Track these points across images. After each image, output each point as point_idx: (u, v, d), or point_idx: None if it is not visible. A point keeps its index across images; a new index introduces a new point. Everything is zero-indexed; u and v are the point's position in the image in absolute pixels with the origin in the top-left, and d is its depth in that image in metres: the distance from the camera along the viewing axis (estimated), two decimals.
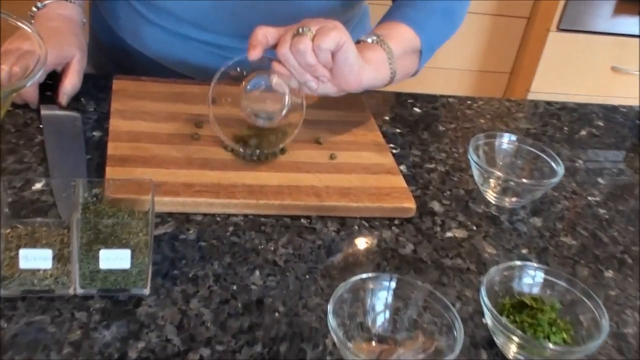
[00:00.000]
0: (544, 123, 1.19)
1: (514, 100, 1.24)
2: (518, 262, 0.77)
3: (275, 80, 0.91)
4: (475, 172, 0.95)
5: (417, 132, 1.09)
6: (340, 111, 1.06)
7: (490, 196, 0.95)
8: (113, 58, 1.18)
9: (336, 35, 0.86)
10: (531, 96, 2.53)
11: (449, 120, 1.14)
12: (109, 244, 0.69)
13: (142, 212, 0.75)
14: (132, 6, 1.11)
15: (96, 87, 1.05)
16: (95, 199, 0.75)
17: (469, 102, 1.21)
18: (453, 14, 1.07)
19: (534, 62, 2.50)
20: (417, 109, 1.16)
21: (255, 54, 0.87)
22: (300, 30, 0.86)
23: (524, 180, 0.93)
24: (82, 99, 1.01)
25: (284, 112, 0.92)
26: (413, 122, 1.12)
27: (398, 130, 1.08)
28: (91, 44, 1.24)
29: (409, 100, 1.18)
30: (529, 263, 0.77)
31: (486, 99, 1.22)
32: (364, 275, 0.70)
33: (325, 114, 1.05)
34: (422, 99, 1.19)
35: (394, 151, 1.02)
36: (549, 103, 1.26)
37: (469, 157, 0.94)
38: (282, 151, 0.94)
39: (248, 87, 0.91)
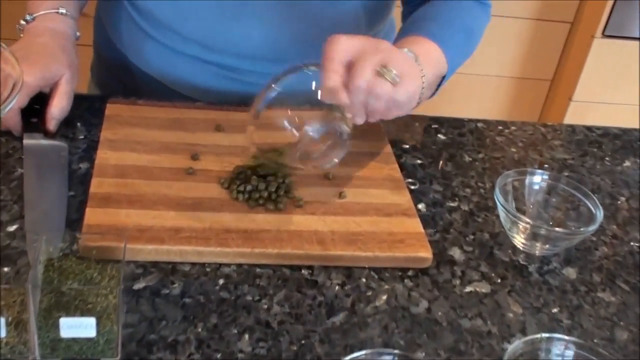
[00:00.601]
0: (583, 152, 1.07)
1: (550, 126, 1.13)
2: (545, 335, 0.66)
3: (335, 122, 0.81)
4: (502, 214, 0.84)
5: (440, 163, 0.99)
6: (354, 140, 0.96)
7: (519, 242, 0.84)
8: (116, 76, 1.10)
9: (414, 89, 0.80)
10: (573, 105, 2.40)
11: (476, 149, 1.03)
12: (71, 311, 0.61)
13: (117, 267, 0.67)
14: (135, 22, 1.02)
15: (90, 110, 0.97)
16: (61, 253, 0.67)
17: (499, 127, 1.10)
18: (473, 35, 0.97)
19: (577, 70, 2.36)
20: (441, 136, 1.05)
21: (332, 87, 0.77)
22: (383, 70, 0.77)
23: (557, 229, 0.82)
24: (74, 124, 0.93)
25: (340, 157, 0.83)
26: (436, 152, 1.01)
27: (419, 162, 0.98)
28: (95, 60, 1.17)
29: (433, 126, 1.07)
30: (557, 336, 0.67)
31: (519, 124, 1.11)
32: (360, 356, 0.60)
33: None
34: (448, 123, 1.08)
35: (412, 187, 0.92)
36: (589, 128, 1.14)
37: (496, 198, 0.83)
38: (288, 194, 0.84)
39: (310, 130, 0.82)
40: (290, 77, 0.82)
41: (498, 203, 0.82)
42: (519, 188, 0.88)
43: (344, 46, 0.78)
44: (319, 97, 0.79)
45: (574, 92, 2.39)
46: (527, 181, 0.88)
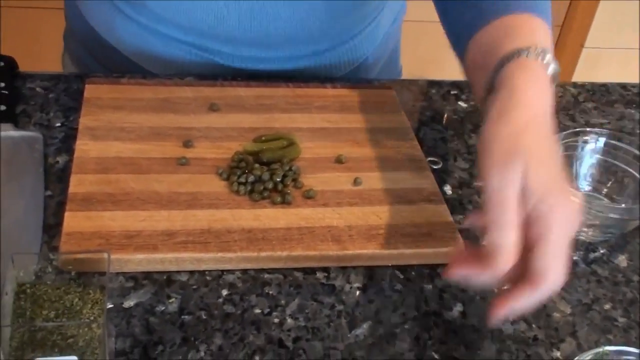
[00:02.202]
0: (620, 115, 0.96)
1: (580, 86, 1.02)
2: (610, 348, 0.57)
3: None
4: None
5: (464, 135, 0.88)
6: (367, 114, 0.86)
7: None
8: (89, 50, 0.97)
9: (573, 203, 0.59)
10: (585, 52, 2.28)
11: None
12: (48, 349, 0.51)
13: (101, 289, 0.57)
14: None
15: (67, 92, 0.86)
16: (35, 276, 0.56)
17: None
18: None
19: (588, 14, 2.23)
20: (462, 103, 0.94)
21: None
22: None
23: (612, 215, 0.71)
24: (48, 109, 0.82)
25: None
26: (458, 122, 0.90)
27: (439, 135, 0.87)
28: (66, 29, 1.04)
29: (452, 92, 0.96)
30: (625, 349, 0.57)
31: None
32: None
33: (348, 119, 0.84)
34: (469, 88, 0.97)
35: (434, 166, 0.81)
36: (623, 87, 1.03)
37: None
38: (296, 183, 0.74)
39: None
40: None
41: None
42: (566, 159, 0.77)
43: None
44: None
45: (585, 38, 2.26)
46: (578, 149, 0.77)
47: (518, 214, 0.57)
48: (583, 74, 2.30)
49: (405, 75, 1.11)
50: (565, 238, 0.57)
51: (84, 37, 0.96)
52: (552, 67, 0.65)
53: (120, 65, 0.92)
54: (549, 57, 0.64)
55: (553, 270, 0.56)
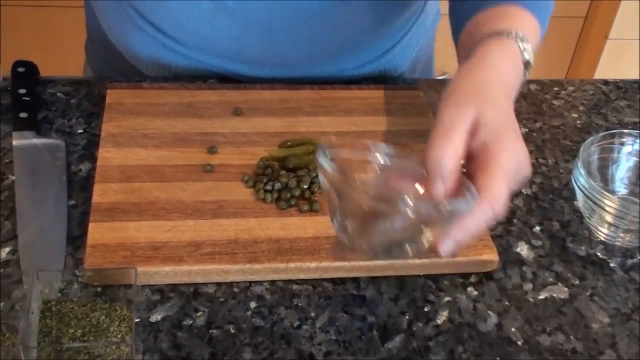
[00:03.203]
0: None
1: (612, 83, 0.99)
2: None
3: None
4: (580, 198, 0.72)
5: None
6: (394, 116, 0.84)
7: (599, 231, 0.72)
8: (109, 62, 0.95)
9: (525, 150, 0.59)
10: (610, 44, 2.23)
11: (532, 117, 0.90)
12: None
13: (128, 305, 0.55)
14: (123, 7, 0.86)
15: (88, 97, 0.84)
16: (60, 293, 0.55)
17: (555, 88, 0.96)
18: None
19: (613, 5, 2.19)
20: None
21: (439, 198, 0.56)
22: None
23: None
24: (71, 115, 0.81)
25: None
26: None
27: None
28: (87, 43, 1.02)
29: None
30: None
31: (577, 84, 0.97)
32: None
33: (375, 121, 0.82)
34: None
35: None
36: None
37: (574, 177, 0.70)
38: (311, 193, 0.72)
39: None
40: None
41: (577, 183, 0.70)
42: (602, 163, 0.75)
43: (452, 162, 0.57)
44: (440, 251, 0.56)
45: (610, 29, 2.22)
46: (615, 151, 0.75)
47: (462, 141, 0.56)
48: (607, 66, 2.26)
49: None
50: (511, 171, 0.56)
51: (104, 50, 0.94)
52: (527, 54, 0.65)
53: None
54: (527, 45, 0.65)
55: (494, 189, 0.55)
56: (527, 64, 0.66)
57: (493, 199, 0.55)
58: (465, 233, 0.55)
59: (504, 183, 0.56)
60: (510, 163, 0.57)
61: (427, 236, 0.55)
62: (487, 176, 0.56)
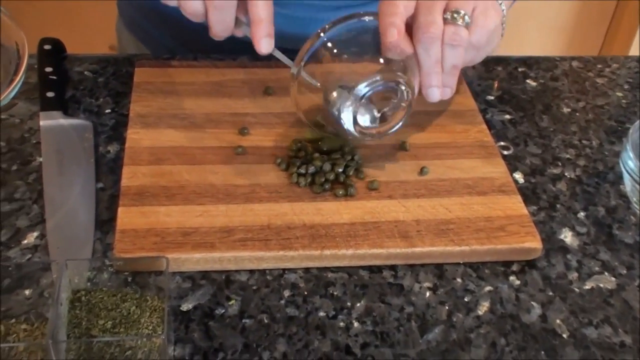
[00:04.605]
0: None
1: None
2: None
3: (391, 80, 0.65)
4: (628, 182, 0.68)
5: (534, 117, 0.82)
6: None
7: None
8: (144, 13, 0.92)
9: (494, 25, 0.66)
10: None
11: (575, 96, 0.86)
12: None
13: (159, 295, 0.53)
14: None
15: (116, 76, 0.82)
16: (89, 282, 0.53)
17: (599, 65, 0.92)
18: None
19: None
20: (531, 81, 0.88)
21: (395, 41, 0.63)
22: (453, 15, 0.63)
23: None
24: (98, 94, 0.79)
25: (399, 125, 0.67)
26: (528, 103, 0.84)
27: (508, 117, 0.82)
28: (118, 19, 0.99)
29: (520, 69, 0.90)
30: None
31: (621, 60, 0.93)
32: None
33: None
34: (537, 65, 0.91)
35: (505, 152, 0.76)
36: None
37: (623, 160, 0.67)
38: (359, 174, 0.69)
39: (362, 90, 0.64)
40: (342, 27, 0.66)
41: (626, 167, 0.66)
42: None
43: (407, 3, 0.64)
44: (382, 54, 0.64)
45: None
46: None
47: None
48: None
49: None
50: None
51: (135, 25, 0.91)
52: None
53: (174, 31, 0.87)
54: None
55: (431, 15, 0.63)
56: None
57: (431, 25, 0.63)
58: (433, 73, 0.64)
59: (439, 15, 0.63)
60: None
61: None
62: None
